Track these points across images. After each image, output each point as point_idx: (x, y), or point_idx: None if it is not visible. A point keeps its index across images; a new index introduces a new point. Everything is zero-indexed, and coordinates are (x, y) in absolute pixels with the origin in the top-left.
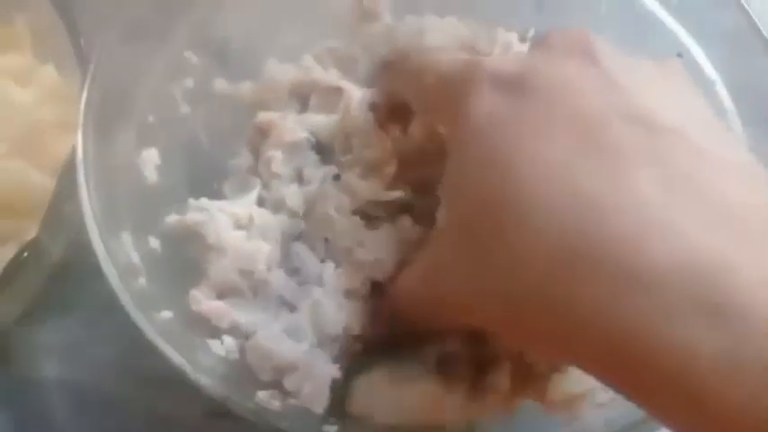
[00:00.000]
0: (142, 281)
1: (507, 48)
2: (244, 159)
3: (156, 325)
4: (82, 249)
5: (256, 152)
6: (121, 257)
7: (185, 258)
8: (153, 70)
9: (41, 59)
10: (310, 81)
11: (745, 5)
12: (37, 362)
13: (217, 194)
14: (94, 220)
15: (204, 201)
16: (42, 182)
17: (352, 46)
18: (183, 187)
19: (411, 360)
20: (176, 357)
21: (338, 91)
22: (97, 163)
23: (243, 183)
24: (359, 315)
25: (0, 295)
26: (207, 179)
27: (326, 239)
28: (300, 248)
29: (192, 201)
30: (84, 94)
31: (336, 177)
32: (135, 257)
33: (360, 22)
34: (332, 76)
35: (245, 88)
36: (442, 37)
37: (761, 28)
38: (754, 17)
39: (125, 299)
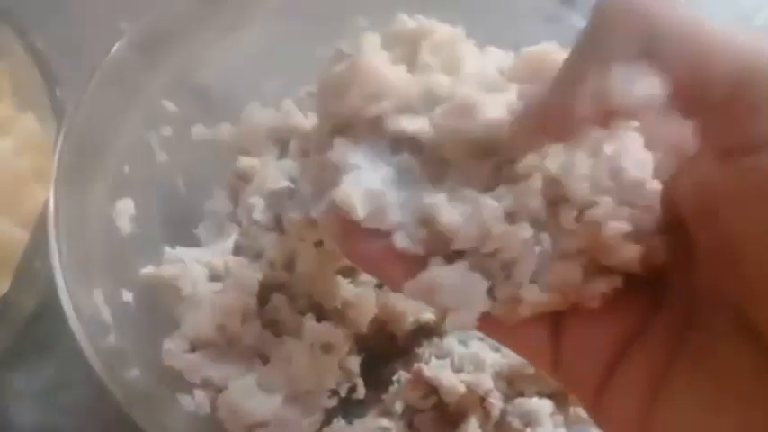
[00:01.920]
0: (112, 338)
1: None
2: (220, 203)
3: (125, 385)
4: (56, 296)
5: (235, 198)
6: (92, 315)
7: (159, 310)
8: (130, 120)
9: (21, 108)
10: (289, 126)
11: None
12: (10, 406)
13: (193, 240)
14: (64, 281)
15: (180, 249)
16: (15, 235)
17: None
18: (159, 235)
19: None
20: (142, 421)
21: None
22: (70, 217)
23: (219, 227)
24: (335, 369)
25: None
26: (183, 225)
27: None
28: (279, 300)
29: (167, 249)
30: (58, 147)
31: (319, 244)
32: (106, 313)
33: None
34: (311, 122)
35: (224, 131)
36: None
37: None
38: None
39: (94, 362)
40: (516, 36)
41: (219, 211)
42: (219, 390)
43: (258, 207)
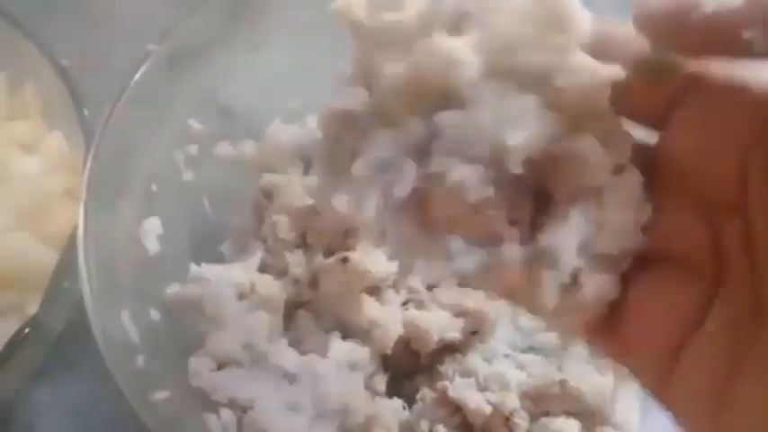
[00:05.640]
0: (140, 359)
1: None
2: (245, 220)
3: (153, 406)
4: (85, 314)
5: (260, 216)
6: (120, 337)
7: (186, 329)
8: (156, 139)
9: (49, 127)
10: (313, 143)
11: None
12: (39, 424)
13: (219, 258)
14: (93, 303)
15: (205, 267)
16: (45, 255)
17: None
18: (186, 253)
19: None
20: None
21: None
22: (99, 237)
23: (244, 245)
24: (361, 388)
25: (1, 369)
26: (209, 243)
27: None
28: (305, 318)
29: (193, 267)
30: (88, 166)
31: (345, 260)
32: (134, 334)
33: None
34: None
35: (249, 149)
36: None
37: None
38: None
39: (122, 385)
40: None
41: (244, 228)
42: (245, 409)
43: (283, 224)
